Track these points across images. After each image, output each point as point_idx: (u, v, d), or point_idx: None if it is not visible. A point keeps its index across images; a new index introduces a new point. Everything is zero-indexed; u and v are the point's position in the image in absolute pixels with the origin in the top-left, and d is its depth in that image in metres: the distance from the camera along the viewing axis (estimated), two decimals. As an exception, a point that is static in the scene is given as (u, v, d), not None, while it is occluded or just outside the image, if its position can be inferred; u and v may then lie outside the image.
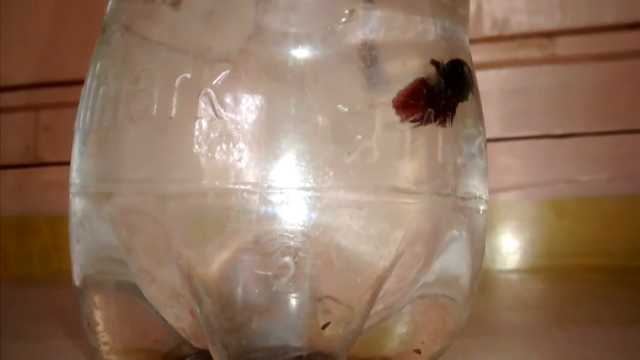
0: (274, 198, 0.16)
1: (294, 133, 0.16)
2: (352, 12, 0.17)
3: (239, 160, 0.16)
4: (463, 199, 0.18)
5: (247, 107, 0.16)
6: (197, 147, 0.16)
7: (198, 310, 0.17)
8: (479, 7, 0.54)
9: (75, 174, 0.19)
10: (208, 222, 0.16)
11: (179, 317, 0.18)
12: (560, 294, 0.42)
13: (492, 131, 0.46)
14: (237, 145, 0.16)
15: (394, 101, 0.17)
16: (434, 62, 0.18)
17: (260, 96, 0.16)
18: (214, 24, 0.17)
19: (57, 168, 0.60)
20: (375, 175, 0.17)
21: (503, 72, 0.54)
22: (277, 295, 0.16)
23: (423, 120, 0.17)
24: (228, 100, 0.16)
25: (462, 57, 0.19)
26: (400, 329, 0.19)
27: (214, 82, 0.16)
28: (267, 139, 0.16)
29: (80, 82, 0.19)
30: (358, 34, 0.17)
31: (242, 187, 0.16)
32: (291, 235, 0.16)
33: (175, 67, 0.17)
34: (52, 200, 0.60)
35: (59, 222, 0.58)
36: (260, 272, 0.16)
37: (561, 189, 0.52)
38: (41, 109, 0.63)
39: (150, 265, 0.17)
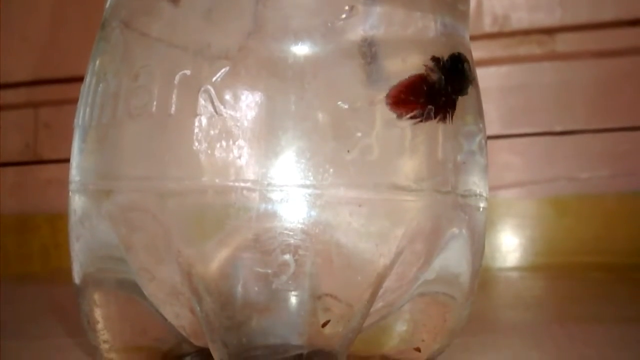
0: (273, 195, 0.16)
1: (293, 130, 0.16)
2: (352, 8, 0.17)
3: (239, 157, 0.16)
4: (463, 196, 0.18)
5: (247, 104, 0.16)
6: (196, 144, 0.16)
7: (198, 308, 0.16)
8: (480, 4, 0.54)
9: (74, 172, 0.19)
10: (208, 219, 0.16)
11: (178, 315, 0.18)
12: (561, 292, 0.42)
13: (492, 128, 0.46)
14: (236, 143, 0.16)
15: (388, 97, 0.17)
16: (434, 59, 0.18)
17: (260, 93, 0.16)
18: (213, 21, 0.17)
19: (57, 165, 0.60)
20: (376, 173, 0.17)
21: (503, 69, 0.54)
22: (277, 293, 0.16)
23: (424, 117, 0.17)
24: (228, 97, 0.16)
25: (465, 63, 0.19)
26: (400, 327, 0.19)
27: (214, 78, 0.16)
28: (267, 136, 0.16)
29: (79, 79, 0.19)
30: (358, 31, 0.17)
31: (242, 184, 0.16)
32: (291, 233, 0.16)
33: (174, 64, 0.17)
34: (51, 197, 0.60)
35: (58, 220, 0.58)
36: (260, 269, 0.16)
37: (562, 186, 0.52)
38: (41, 106, 0.63)
39: (150, 263, 0.17)
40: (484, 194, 0.20)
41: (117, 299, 0.19)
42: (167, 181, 0.17)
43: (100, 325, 0.19)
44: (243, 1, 0.17)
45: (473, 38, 0.20)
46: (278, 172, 0.16)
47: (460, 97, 0.18)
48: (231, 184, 0.16)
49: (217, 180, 0.16)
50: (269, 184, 0.16)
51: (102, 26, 0.19)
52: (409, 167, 0.17)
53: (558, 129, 0.53)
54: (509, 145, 0.53)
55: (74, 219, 0.19)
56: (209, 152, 0.16)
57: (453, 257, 0.19)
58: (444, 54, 0.18)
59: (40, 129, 0.63)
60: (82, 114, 0.19)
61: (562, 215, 0.52)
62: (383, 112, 0.17)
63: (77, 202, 0.19)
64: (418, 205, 0.17)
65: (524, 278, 0.49)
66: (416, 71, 0.17)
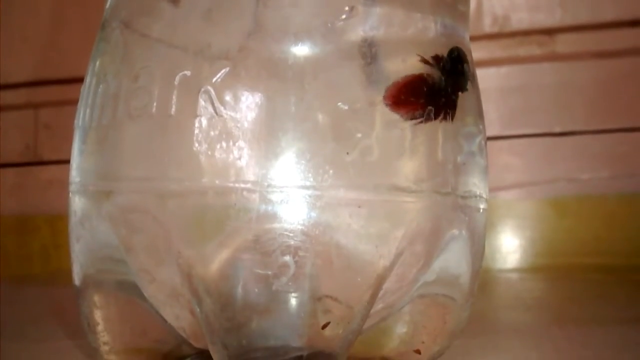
0: (274, 197, 0.16)
1: (294, 131, 0.16)
2: (352, 9, 0.17)
3: (239, 158, 0.16)
4: (463, 197, 0.18)
5: (247, 105, 0.16)
6: (196, 145, 0.16)
7: (198, 309, 0.16)
8: (479, 4, 0.54)
9: (75, 172, 0.19)
10: (208, 220, 0.16)
11: (178, 316, 0.18)
12: (561, 293, 0.42)
13: (492, 129, 0.47)
14: (237, 144, 0.16)
15: (386, 98, 0.17)
16: (435, 58, 0.18)
17: (260, 94, 0.16)
18: (213, 21, 0.17)
19: (57, 166, 0.60)
20: (375, 174, 0.17)
21: (503, 70, 0.54)
22: (277, 294, 0.16)
23: (424, 117, 0.17)
24: (228, 98, 0.16)
25: (463, 56, 0.19)
26: (400, 329, 0.19)
27: (214, 79, 0.16)
28: (267, 137, 0.16)
29: (80, 80, 0.19)
30: (358, 31, 0.17)
31: (242, 185, 0.16)
32: (291, 234, 0.16)
33: (174, 65, 0.17)
34: (51, 198, 0.60)
35: (58, 221, 0.58)
36: (260, 271, 0.16)
37: (561, 187, 0.52)
38: (41, 107, 0.63)
39: (150, 265, 0.17)
40: (484, 195, 0.19)
41: (117, 301, 0.19)
42: (167, 182, 0.17)
43: (100, 327, 0.19)
44: (243, 2, 0.17)
45: (473, 39, 0.20)
46: (278, 173, 0.16)
47: (460, 99, 0.18)
48: (231, 185, 0.16)
49: (217, 182, 0.16)
50: (269, 185, 0.16)
51: (102, 27, 0.19)
52: (408, 168, 0.17)
53: (558, 129, 0.53)
54: (508, 146, 0.53)
55: (74, 220, 0.19)
56: (209, 153, 0.16)
57: (453, 259, 0.19)
58: (444, 55, 0.18)
59: (40, 130, 0.63)
60: (82, 115, 0.19)
61: (562, 217, 0.52)
62: (383, 113, 0.17)
63: (77, 203, 0.19)
64: (418, 207, 0.17)
65: (524, 279, 0.49)
66: (416, 72, 0.17)
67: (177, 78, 0.16)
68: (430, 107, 0.17)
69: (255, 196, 0.16)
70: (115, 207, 0.17)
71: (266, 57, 0.16)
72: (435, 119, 0.17)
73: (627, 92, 0.52)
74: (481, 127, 0.19)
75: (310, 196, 0.16)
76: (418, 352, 0.19)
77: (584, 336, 0.27)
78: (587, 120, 0.53)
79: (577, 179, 0.52)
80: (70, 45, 0.60)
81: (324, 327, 0.16)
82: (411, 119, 0.17)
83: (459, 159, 0.18)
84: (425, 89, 0.17)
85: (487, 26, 0.54)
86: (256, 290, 0.16)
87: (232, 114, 0.16)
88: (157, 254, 0.17)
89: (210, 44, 0.16)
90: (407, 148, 0.17)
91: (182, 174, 0.16)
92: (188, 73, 0.16)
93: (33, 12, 0.63)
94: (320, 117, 0.16)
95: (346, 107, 0.16)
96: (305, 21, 0.17)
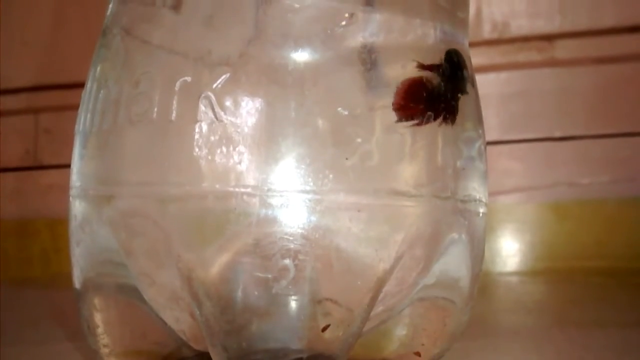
0: (274, 201, 0.16)
1: (294, 136, 0.16)
2: (351, 15, 0.17)
3: (239, 163, 0.16)
4: (463, 201, 0.18)
5: (247, 111, 0.16)
6: (197, 150, 0.16)
7: (198, 312, 0.17)
8: (479, 11, 0.54)
9: (75, 177, 0.19)
10: (208, 224, 0.16)
11: (178, 319, 0.18)
12: (561, 296, 0.42)
13: (492, 134, 0.47)
14: (237, 149, 0.16)
15: (394, 104, 0.17)
16: (433, 66, 0.18)
17: (260, 99, 0.16)
18: (214, 28, 0.17)
19: (57, 171, 0.60)
20: (375, 178, 0.17)
21: (503, 75, 0.54)
22: (277, 297, 0.16)
23: (423, 121, 0.17)
24: (228, 103, 0.16)
25: (461, 59, 0.19)
26: (400, 332, 0.19)
27: (214, 85, 0.16)
28: (267, 142, 0.16)
29: (80, 85, 0.19)
30: (358, 37, 0.17)
31: (242, 190, 0.16)
32: (291, 238, 0.16)
33: (175, 71, 0.17)
34: (52, 203, 0.60)
35: (59, 225, 0.58)
36: (260, 274, 0.16)
37: (562, 191, 0.52)
38: (41, 112, 0.63)
39: (150, 268, 0.17)
40: (484, 200, 0.20)
41: (117, 304, 0.19)
42: (167, 187, 0.17)
43: (100, 330, 0.19)
44: (244, 8, 0.17)
45: (472, 45, 0.20)
46: (278, 177, 0.16)
47: (459, 104, 0.18)
48: (231, 189, 0.16)
49: (217, 186, 0.16)
50: (269, 190, 0.16)
51: (103, 33, 0.19)
52: (408, 172, 0.17)
53: (558, 134, 0.53)
54: (508, 150, 0.53)
55: (74, 224, 0.19)
56: (210, 157, 0.16)
57: (453, 262, 0.19)
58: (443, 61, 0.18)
59: (40, 135, 0.63)
60: (83, 120, 0.19)
61: (563, 221, 0.52)
62: (383, 118, 0.17)
63: (77, 207, 0.19)
64: (417, 211, 0.17)
65: (524, 282, 0.49)
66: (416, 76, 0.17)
67: (178, 84, 0.17)
68: (429, 113, 0.17)
69: (255, 200, 0.16)
70: (115, 211, 0.18)
71: (266, 63, 0.16)
72: (434, 120, 0.17)
73: (626, 97, 0.52)
74: (481, 132, 0.20)
75: (310, 200, 0.16)
76: (418, 354, 0.19)
77: (585, 339, 0.27)
78: (587, 125, 0.53)
79: (578, 183, 0.52)
80: (71, 51, 0.60)
81: (323, 329, 0.17)
82: (411, 121, 0.17)
83: (458, 163, 0.18)
84: (424, 94, 0.17)
85: (487, 32, 0.54)
86: (256, 293, 0.16)
87: (233, 119, 0.16)
88: (157, 258, 0.17)
89: (210, 50, 0.17)
90: (406, 153, 0.17)
91: (183, 179, 0.17)
92: (189, 79, 0.16)
93: (34, 17, 0.63)
94: (320, 122, 0.16)
95: (346, 113, 0.16)
96: (305, 27, 0.17)
